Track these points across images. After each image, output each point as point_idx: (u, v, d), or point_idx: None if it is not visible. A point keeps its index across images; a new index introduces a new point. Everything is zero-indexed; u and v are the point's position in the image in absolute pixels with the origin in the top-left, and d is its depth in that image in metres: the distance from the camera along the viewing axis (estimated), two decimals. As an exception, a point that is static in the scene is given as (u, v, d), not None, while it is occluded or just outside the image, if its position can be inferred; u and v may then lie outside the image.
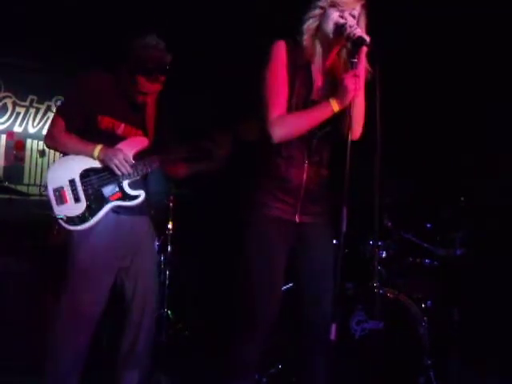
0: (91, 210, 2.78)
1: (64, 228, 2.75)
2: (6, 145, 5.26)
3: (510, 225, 3.89)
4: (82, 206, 2.77)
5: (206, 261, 5.04)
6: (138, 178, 2.87)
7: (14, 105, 5.38)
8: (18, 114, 5.43)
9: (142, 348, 2.89)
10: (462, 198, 3.45)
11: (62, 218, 2.74)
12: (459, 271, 3.53)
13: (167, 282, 4.56)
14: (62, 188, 2.78)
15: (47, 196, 2.79)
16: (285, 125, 2.34)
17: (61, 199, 2.77)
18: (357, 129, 2.41)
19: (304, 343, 2.46)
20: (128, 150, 2.84)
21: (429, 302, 3.65)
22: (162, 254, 4.63)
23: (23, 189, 5.01)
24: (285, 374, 3.49)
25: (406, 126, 4.32)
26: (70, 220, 2.75)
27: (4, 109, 5.35)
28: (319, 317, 2.38)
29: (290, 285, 3.44)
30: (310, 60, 2.40)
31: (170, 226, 4.67)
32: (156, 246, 3.06)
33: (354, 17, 2.34)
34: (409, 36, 4.37)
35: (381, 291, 3.47)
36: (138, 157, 2.87)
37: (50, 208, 2.76)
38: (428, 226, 3.74)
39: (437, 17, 4.30)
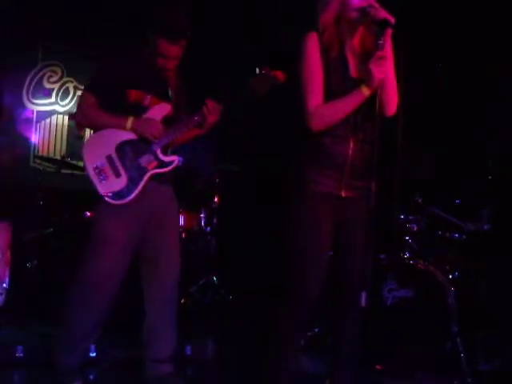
0: (133, 182, 2.76)
1: (112, 203, 2.73)
2: (69, 124, 5.50)
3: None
4: (123, 180, 2.74)
5: (249, 231, 5.20)
6: (168, 144, 2.86)
7: (76, 88, 5.60)
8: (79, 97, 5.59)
9: (167, 317, 2.87)
10: (490, 177, 3.51)
11: (108, 196, 2.72)
12: (486, 245, 3.59)
13: (213, 251, 4.81)
14: (102, 165, 2.74)
15: (89, 176, 2.74)
16: (321, 116, 2.40)
17: (103, 177, 2.73)
18: (391, 106, 2.47)
19: (339, 309, 2.55)
20: (156, 117, 2.84)
21: (456, 274, 3.72)
22: (208, 225, 4.86)
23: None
24: (321, 336, 3.66)
25: (438, 101, 4.30)
26: (116, 195, 2.73)
27: (66, 92, 5.59)
28: (354, 285, 2.44)
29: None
30: (340, 44, 2.43)
31: (215, 199, 4.91)
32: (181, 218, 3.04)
33: None
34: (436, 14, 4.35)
35: (411, 262, 3.57)
36: (165, 123, 2.86)
37: (95, 187, 2.73)
38: (457, 201, 3.79)
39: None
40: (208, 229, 4.90)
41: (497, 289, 3.69)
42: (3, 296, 3.79)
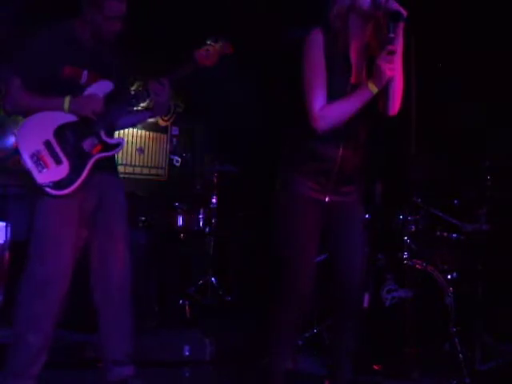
0: (75, 170, 2.52)
1: (53, 195, 2.48)
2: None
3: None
4: (65, 168, 2.50)
5: (248, 232, 5.20)
6: (113, 124, 2.67)
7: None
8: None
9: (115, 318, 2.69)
10: (488, 177, 3.51)
11: (48, 186, 2.46)
12: (484, 245, 3.55)
13: (211, 252, 4.83)
14: (39, 152, 2.47)
15: (25, 165, 2.46)
16: (327, 117, 2.33)
17: (41, 165, 2.47)
18: (395, 104, 2.39)
19: (338, 311, 2.56)
20: (96, 95, 2.61)
21: (454, 274, 3.72)
22: (206, 225, 4.88)
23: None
24: (319, 337, 3.65)
25: (437, 101, 4.26)
26: (57, 185, 2.47)
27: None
28: (352, 287, 2.46)
29: (324, 256, 3.63)
30: (346, 42, 2.36)
31: (214, 200, 4.93)
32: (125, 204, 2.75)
33: None
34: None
35: (410, 263, 3.56)
36: (106, 102, 2.63)
37: (32, 177, 2.45)
38: (455, 202, 3.79)
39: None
40: (207, 229, 4.91)
41: (495, 289, 3.68)
42: (2, 297, 3.78)
